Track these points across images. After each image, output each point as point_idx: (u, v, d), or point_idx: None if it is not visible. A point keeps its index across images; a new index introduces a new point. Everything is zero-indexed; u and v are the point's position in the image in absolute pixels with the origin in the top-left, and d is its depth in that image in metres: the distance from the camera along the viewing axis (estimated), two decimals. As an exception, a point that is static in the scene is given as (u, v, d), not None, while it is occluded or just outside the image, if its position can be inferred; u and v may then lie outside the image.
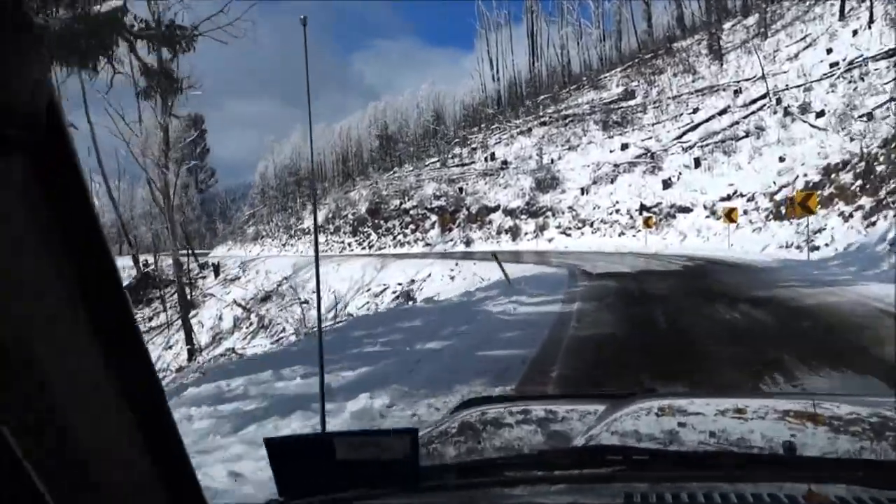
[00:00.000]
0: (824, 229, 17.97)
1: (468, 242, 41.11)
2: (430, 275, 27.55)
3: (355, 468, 1.02)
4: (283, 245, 61.70)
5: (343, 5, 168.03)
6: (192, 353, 32.97)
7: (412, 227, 46.68)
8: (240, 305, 36.56)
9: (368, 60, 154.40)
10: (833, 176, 21.03)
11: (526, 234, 38.20)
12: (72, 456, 0.63)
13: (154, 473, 0.71)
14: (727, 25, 55.03)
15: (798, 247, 19.43)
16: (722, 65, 47.50)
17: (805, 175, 23.50)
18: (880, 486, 1.05)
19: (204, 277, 45.26)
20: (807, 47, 41.88)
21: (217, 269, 45.19)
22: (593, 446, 1.38)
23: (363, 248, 49.95)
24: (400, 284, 28.96)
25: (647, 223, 29.40)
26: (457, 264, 26.61)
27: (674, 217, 31.50)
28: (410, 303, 21.88)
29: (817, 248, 17.95)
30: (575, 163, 41.40)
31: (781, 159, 28.90)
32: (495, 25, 69.51)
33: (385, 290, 29.16)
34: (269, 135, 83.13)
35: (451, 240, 42.87)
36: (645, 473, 1.21)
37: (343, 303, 31.48)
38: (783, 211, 23.70)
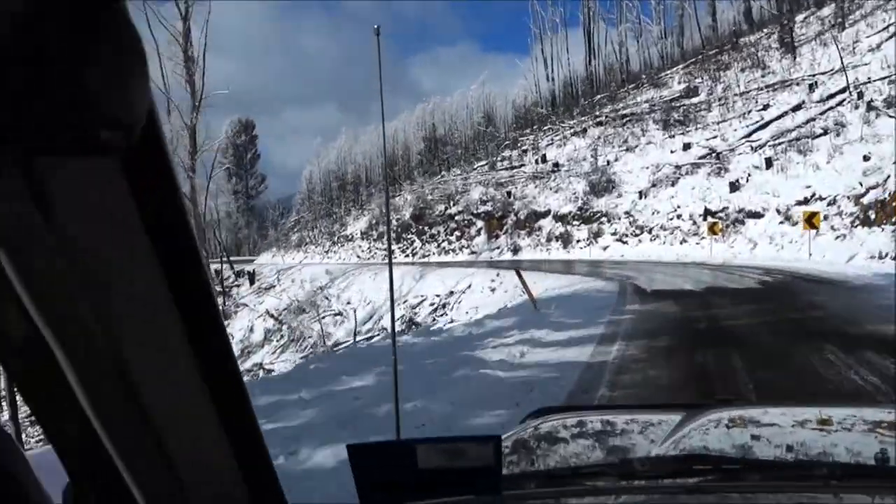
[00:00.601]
0: (930, 237, 15.26)
1: (516, 250, 38.91)
2: (469, 286, 25.59)
3: (437, 476, 1.00)
4: (326, 252, 60.55)
5: (399, 6, 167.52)
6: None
7: (457, 233, 44.71)
8: (272, 316, 35.17)
9: (422, 64, 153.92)
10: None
11: (578, 241, 35.81)
12: (163, 458, 0.66)
13: (239, 477, 0.72)
14: (800, 18, 51.76)
15: (895, 257, 16.72)
16: (795, 58, 44.45)
17: (900, 174, 20.67)
18: None
19: (239, 286, 44.19)
20: (890, 37, 38.76)
21: (252, 278, 44.07)
22: (678, 455, 1.36)
23: (406, 256, 48.19)
24: (438, 296, 27.10)
25: (712, 229, 26.78)
26: (498, 275, 24.56)
27: (742, 223, 28.78)
28: (412, 331, 19.75)
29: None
30: (633, 164, 38.87)
31: (866, 158, 26.10)
32: (550, 25, 67.23)
33: (422, 301, 27.32)
34: (316, 138, 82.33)
35: (498, 247, 40.73)
36: (737, 483, 1.22)
37: (378, 315, 29.73)
38: (872, 216, 20.93)
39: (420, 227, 48.46)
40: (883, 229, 19.34)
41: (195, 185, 34.74)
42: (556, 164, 43.54)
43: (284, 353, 31.64)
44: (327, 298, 34.08)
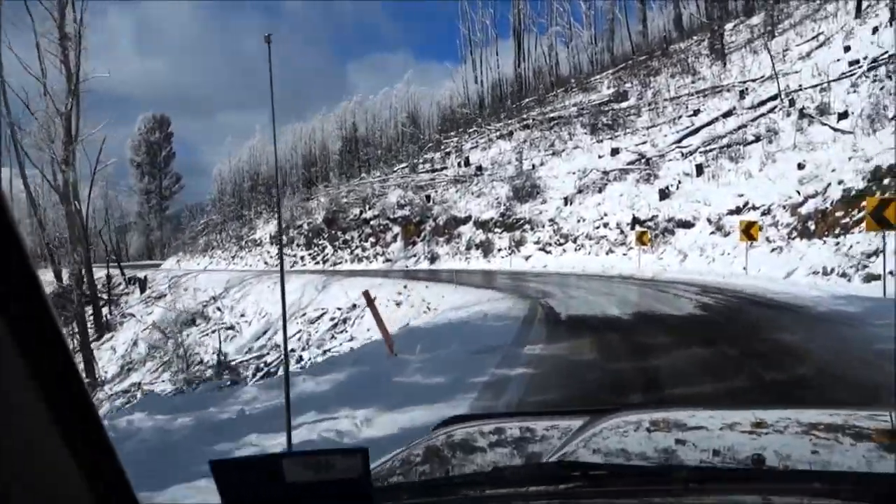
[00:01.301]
0: (881, 250, 13.44)
1: (433, 259, 36.54)
2: (375, 298, 22.82)
3: (305, 490, 0.99)
4: (233, 258, 56.94)
5: (341, 7, 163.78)
6: (93, 387, 28.18)
7: (372, 239, 42.05)
8: (159, 329, 31.71)
9: (359, 69, 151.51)
10: (888, 181, 16.64)
11: (499, 250, 33.69)
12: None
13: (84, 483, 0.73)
14: (729, 26, 51.54)
15: (844, 274, 14.94)
16: (725, 65, 43.84)
17: (841, 182, 19.16)
18: (836, 496, 1.11)
19: (129, 294, 40.39)
20: (820, 46, 38.47)
21: (143, 285, 40.37)
22: (554, 463, 1.37)
23: (317, 263, 45.28)
24: (340, 309, 24.48)
25: (641, 239, 24.99)
26: (406, 287, 22.12)
27: (672, 233, 27.17)
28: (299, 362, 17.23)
29: (875, 276, 13.44)
30: (559, 169, 37.12)
31: (801, 166, 24.92)
32: (480, 27, 65.59)
33: (322, 315, 24.67)
34: (228, 136, 78.09)
35: (415, 255, 38.28)
36: (602, 489, 1.24)
37: (274, 329, 26.84)
38: (812, 227, 19.39)
39: (333, 231, 45.56)
40: (825, 242, 17.72)
41: (72, 180, 31.11)
42: (480, 168, 41.48)
43: (167, 371, 28.40)
44: (220, 310, 30.95)
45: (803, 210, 20.69)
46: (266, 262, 50.67)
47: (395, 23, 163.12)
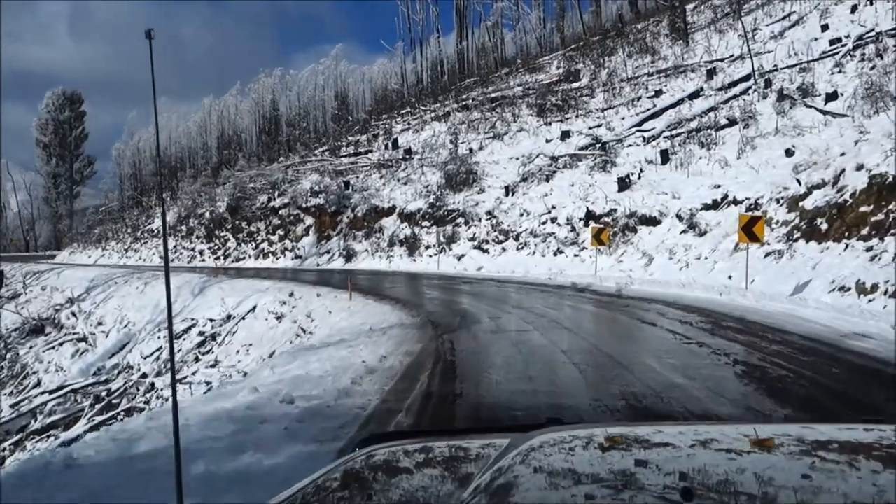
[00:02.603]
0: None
1: (349, 256, 31.57)
2: (254, 308, 18.05)
3: None
4: (126, 250, 50.94)
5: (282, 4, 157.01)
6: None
7: (280, 232, 36.75)
8: (4, 339, 25.97)
9: (301, 61, 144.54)
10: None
11: (427, 248, 28.93)
12: None
13: None
14: (690, 6, 48.11)
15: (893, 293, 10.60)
16: (688, 44, 40.10)
17: (862, 168, 14.97)
18: None
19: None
20: (793, 25, 35.25)
21: (0, 281, 34.14)
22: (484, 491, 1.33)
23: (217, 259, 39.84)
24: (212, 321, 19.42)
25: (598, 237, 20.58)
26: (292, 294, 17.23)
27: (634, 230, 22.98)
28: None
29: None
30: (500, 154, 32.63)
31: (790, 152, 21.20)
32: (421, 3, 60.76)
33: (191, 327, 19.57)
34: (132, 111, 70.99)
35: (329, 252, 33.23)
36: None
37: (134, 343, 21.57)
38: (823, 226, 15.20)
39: (236, 222, 40.10)
40: (847, 246, 13.42)
41: None
42: (409, 151, 36.65)
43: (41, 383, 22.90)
44: (75, 315, 25.41)
45: (808, 204, 16.46)
46: (161, 257, 44.81)
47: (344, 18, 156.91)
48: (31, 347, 24.65)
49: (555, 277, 20.10)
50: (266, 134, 54.82)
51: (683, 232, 21.36)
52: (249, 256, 37.67)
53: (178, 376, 15.80)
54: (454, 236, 28.14)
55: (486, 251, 26.83)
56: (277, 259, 35.66)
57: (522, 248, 25.83)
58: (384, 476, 1.70)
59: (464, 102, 44.61)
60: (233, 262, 38.07)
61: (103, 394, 18.55)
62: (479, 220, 28.16)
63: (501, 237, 26.74)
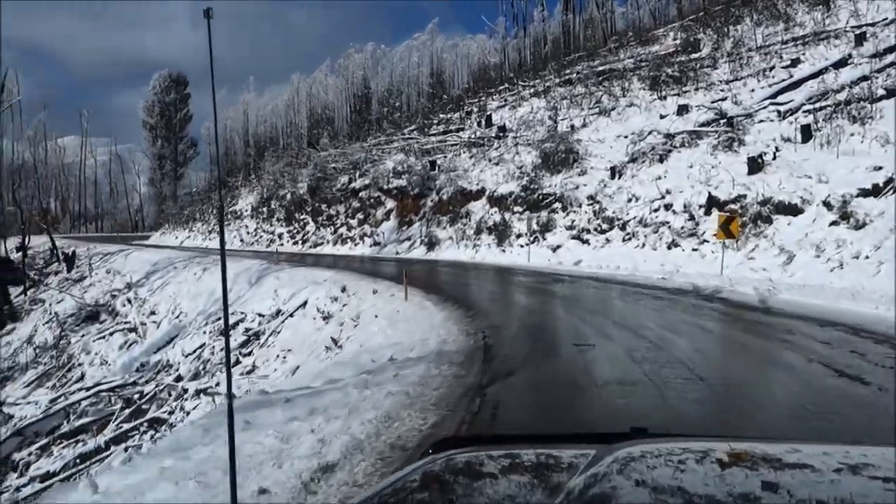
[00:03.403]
0: None
1: (431, 244, 28.80)
2: (305, 304, 15.48)
3: None
4: (210, 232, 50.07)
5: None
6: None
7: (360, 216, 34.38)
8: (58, 324, 24.66)
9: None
10: None
11: (518, 236, 25.76)
12: None
13: None
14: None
15: None
16: (829, 8, 35.08)
17: None
18: None
19: (57, 273, 33.49)
20: (967, -18, 29.91)
21: (71, 262, 33.40)
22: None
23: (296, 244, 37.95)
24: (261, 316, 17.08)
25: (726, 228, 16.93)
26: (344, 290, 14.52)
27: (769, 221, 19.14)
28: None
29: None
30: (606, 132, 29.06)
31: (977, 126, 16.65)
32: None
33: (239, 322, 17.35)
34: (222, 89, 70.64)
35: (409, 238, 30.55)
36: None
37: (183, 336, 19.55)
38: None
39: (316, 204, 38.02)
40: None
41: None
42: (503, 129, 33.50)
43: (43, 385, 21.50)
44: (130, 302, 23.74)
45: None
46: (242, 240, 43.59)
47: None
48: (83, 336, 23.13)
49: (670, 277, 16.58)
50: (356, 113, 52.83)
51: (834, 224, 17.48)
52: (327, 242, 35.55)
53: (204, 385, 13.29)
54: (549, 224, 24.88)
55: (586, 242, 23.46)
56: (355, 245, 33.35)
57: (629, 239, 22.32)
58: (465, 480, 1.66)
59: (567, 77, 41.03)
60: (310, 247, 36.09)
61: (135, 396, 16.53)
62: (579, 205, 24.77)
63: (605, 226, 23.28)
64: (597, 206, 24.22)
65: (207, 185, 59.93)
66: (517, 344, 8.56)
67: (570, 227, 24.44)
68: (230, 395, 3.19)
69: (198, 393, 13.50)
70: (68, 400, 17.53)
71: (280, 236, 40.08)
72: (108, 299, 24.90)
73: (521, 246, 25.29)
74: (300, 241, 37.82)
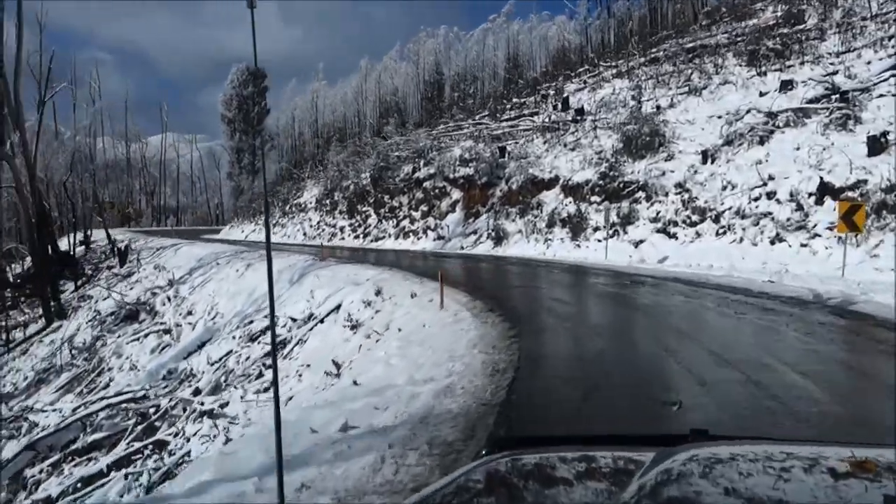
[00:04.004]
0: None
1: (499, 239, 26.43)
2: (338, 308, 13.51)
3: None
4: (274, 224, 48.96)
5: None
6: (-1, 400, 21.06)
7: (423, 207, 32.27)
8: (99, 323, 23.53)
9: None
10: None
11: (595, 229, 23.17)
12: None
13: None
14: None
15: None
16: (956, -32, 30.97)
17: None
18: None
19: (110, 268, 32.64)
20: None
21: (124, 257, 32.49)
22: None
23: (357, 238, 36.20)
24: (293, 321, 15.27)
25: (849, 219, 14.09)
26: (378, 293, 12.51)
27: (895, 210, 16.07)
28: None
29: None
30: (696, 112, 26.15)
31: None
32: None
33: (269, 327, 14.87)
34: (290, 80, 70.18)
35: (475, 232, 28.26)
36: None
37: (216, 340, 17.97)
38: None
39: (378, 195, 36.11)
40: None
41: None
42: (580, 111, 30.81)
43: (72, 391, 20.31)
44: (169, 300, 22.33)
45: None
46: (305, 233, 42.18)
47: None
48: (119, 336, 21.82)
49: (778, 280, 13.76)
50: (427, 100, 50.83)
51: (985, 215, 14.35)
52: (389, 235, 33.67)
53: (212, 404, 11.35)
54: (631, 215, 22.19)
55: (672, 236, 20.70)
56: (418, 239, 31.32)
57: (724, 233, 19.48)
58: (527, 481, 1.66)
59: (653, 56, 37.92)
60: (371, 241, 34.28)
61: (151, 410, 14.87)
62: (666, 194, 22.00)
63: (696, 218, 20.47)
64: (686, 195, 21.39)
65: (276, 177, 59.01)
66: (561, 394, 5.83)
67: (655, 219, 21.68)
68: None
69: (202, 416, 11.60)
70: (87, 410, 16.04)
71: (342, 230, 38.45)
72: (148, 297, 23.60)
73: (599, 240, 22.68)
74: (361, 235, 36.08)
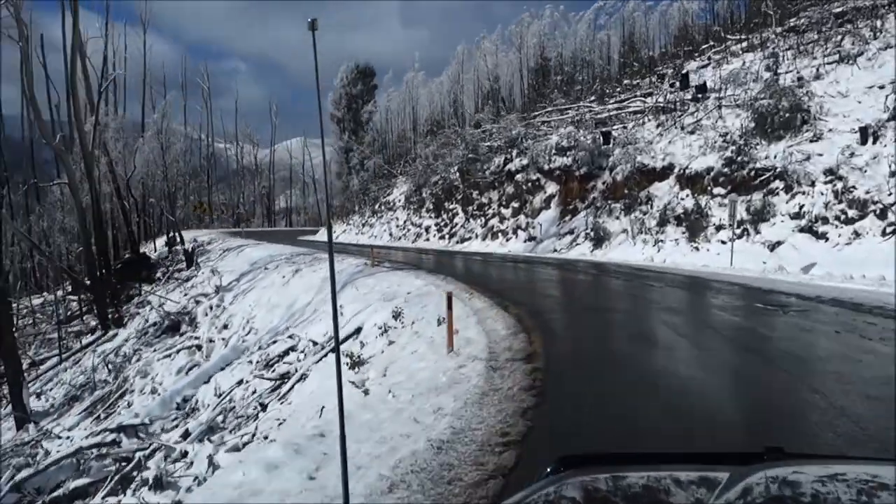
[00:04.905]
0: None
1: (599, 240, 22.57)
2: (359, 331, 10.23)
3: None
4: (363, 224, 46.54)
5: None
6: (21, 422, 19.16)
7: (514, 204, 28.62)
8: (141, 336, 21.35)
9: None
10: None
11: (718, 228, 19.03)
12: None
13: None
14: None
15: None
16: None
17: None
18: None
19: (179, 271, 30.79)
20: None
21: (191, 259, 30.57)
22: None
23: (442, 238, 32.98)
24: (314, 344, 12.14)
25: None
26: (398, 317, 9.16)
27: None
28: None
29: None
30: (850, 83, 21.43)
31: None
32: None
33: (289, 350, 12.48)
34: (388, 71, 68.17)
35: (572, 232, 24.44)
36: None
37: (248, 359, 15.34)
38: None
39: (467, 191, 32.70)
40: None
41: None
42: (702, 89, 26.38)
43: (91, 417, 18.16)
44: (212, 309, 19.82)
45: None
46: (391, 234, 39.33)
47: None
48: (155, 351, 19.44)
49: None
50: (532, 88, 47.13)
51: None
52: (476, 236, 30.27)
53: (168, 469, 8.62)
54: (765, 210, 17.90)
55: (822, 237, 16.33)
56: (507, 240, 27.77)
57: (893, 231, 14.98)
58: (596, 500, 1.63)
59: (791, 26, 32.85)
60: (457, 242, 31.01)
61: (139, 455, 12.12)
62: (812, 183, 17.58)
63: (853, 213, 16.03)
64: (839, 184, 16.91)
65: (371, 174, 56.71)
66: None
67: (797, 215, 17.30)
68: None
69: (152, 485, 8.61)
70: (72, 448, 13.50)
71: (427, 229, 35.38)
72: (192, 306, 21.22)
73: (722, 242, 18.48)
74: (447, 236, 32.89)
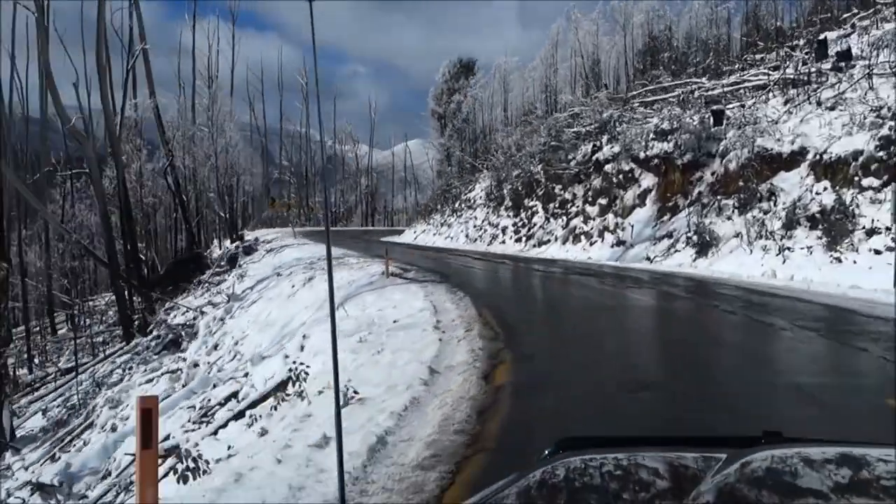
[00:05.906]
0: None
1: (704, 246, 18.12)
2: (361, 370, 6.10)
3: None
4: (441, 224, 43.14)
5: None
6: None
7: (602, 200, 24.31)
8: (138, 353, 18.49)
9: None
10: None
11: (870, 233, 14.42)
12: None
13: None
14: None
15: None
16: None
17: None
18: None
19: (223, 272, 28.41)
20: None
21: (234, 259, 28.25)
22: None
23: (519, 240, 29.00)
24: (255, 390, 8.07)
25: None
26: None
27: None
28: None
29: None
30: None
31: None
32: None
33: (231, 396, 8.73)
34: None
35: (670, 235, 20.02)
36: None
37: (250, 382, 11.62)
38: None
39: (548, 185, 28.53)
40: None
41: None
42: (845, 55, 21.46)
43: (80, 439, 15.51)
44: (214, 322, 16.71)
45: None
46: (468, 235, 35.62)
47: None
48: (145, 373, 16.42)
49: None
50: (640, 72, 42.47)
51: None
52: (556, 238, 26.15)
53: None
54: (939, 209, 13.11)
55: None
56: (591, 244, 23.54)
57: None
58: (587, 483, 1.62)
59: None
60: (534, 245, 26.97)
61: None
62: None
63: None
64: None
65: (457, 169, 53.38)
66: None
67: None
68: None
69: None
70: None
71: (503, 230, 31.48)
72: (198, 317, 18.19)
73: (877, 252, 13.82)
74: (524, 238, 28.89)
